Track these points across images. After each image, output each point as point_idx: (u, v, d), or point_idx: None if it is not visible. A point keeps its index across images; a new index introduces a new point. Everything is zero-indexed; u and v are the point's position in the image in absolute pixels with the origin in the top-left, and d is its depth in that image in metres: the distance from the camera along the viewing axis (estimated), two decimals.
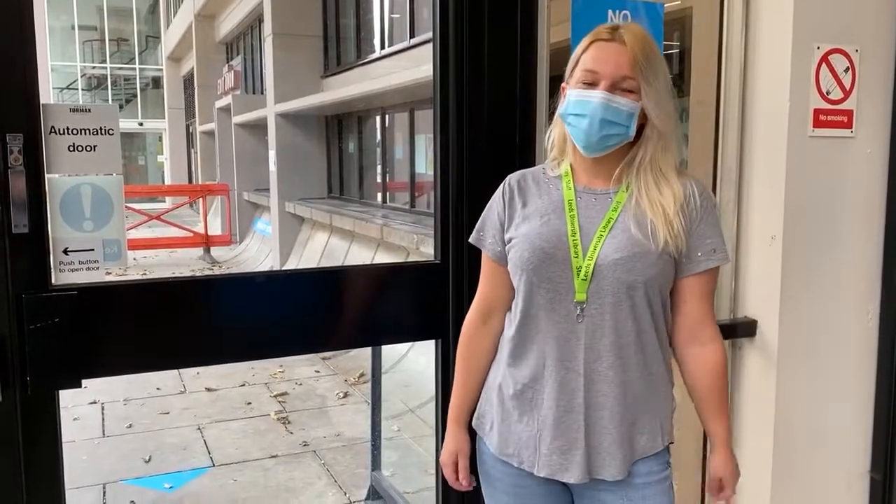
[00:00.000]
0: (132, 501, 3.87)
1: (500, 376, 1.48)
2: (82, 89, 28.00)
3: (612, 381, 1.38)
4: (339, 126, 12.54)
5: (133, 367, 1.72)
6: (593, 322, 1.37)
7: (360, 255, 8.83)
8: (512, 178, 1.50)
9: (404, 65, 8.73)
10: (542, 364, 1.41)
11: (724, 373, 1.47)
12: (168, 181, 24.11)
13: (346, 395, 5.63)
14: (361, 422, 4.94)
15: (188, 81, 22.28)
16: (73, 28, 28.20)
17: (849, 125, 2.01)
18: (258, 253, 13.26)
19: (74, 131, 1.46)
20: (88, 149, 1.47)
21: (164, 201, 17.31)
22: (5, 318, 1.43)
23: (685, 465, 2.21)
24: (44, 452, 1.50)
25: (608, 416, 1.39)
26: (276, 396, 5.58)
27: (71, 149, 1.46)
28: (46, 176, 1.45)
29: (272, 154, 12.47)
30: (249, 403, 5.41)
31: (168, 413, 5.19)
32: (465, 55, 1.75)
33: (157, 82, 27.79)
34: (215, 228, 14.39)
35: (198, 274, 9.68)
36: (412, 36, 9.15)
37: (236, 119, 14.62)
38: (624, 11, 1.87)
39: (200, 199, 14.08)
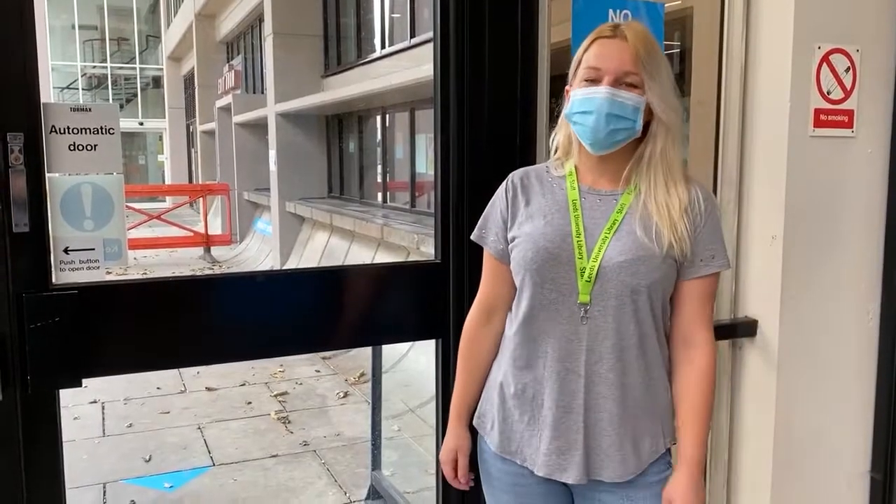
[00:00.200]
0: (132, 501, 3.87)
1: (502, 375, 1.48)
2: (83, 89, 28.00)
3: (613, 384, 1.38)
4: (339, 126, 12.55)
5: (133, 367, 1.72)
6: (596, 324, 1.37)
7: (360, 255, 8.83)
8: (515, 175, 1.50)
9: (405, 64, 8.73)
10: (543, 364, 1.41)
11: (709, 382, 1.41)
12: (168, 181, 24.11)
13: (346, 394, 5.63)
14: (361, 421, 4.94)
15: (188, 81, 22.29)
16: (73, 27, 28.20)
17: (849, 125, 2.01)
18: (258, 253, 13.26)
19: (75, 130, 1.46)
20: (89, 148, 1.47)
21: (165, 201, 17.31)
22: (6, 318, 1.43)
23: None
24: (44, 451, 1.50)
25: (607, 418, 1.39)
26: (276, 396, 5.58)
27: (71, 148, 1.46)
28: (47, 175, 1.44)
29: (272, 154, 12.47)
30: (250, 403, 5.41)
31: (168, 412, 5.19)
32: (466, 55, 1.75)
33: (157, 82, 27.80)
34: (215, 228, 14.39)
35: (198, 273, 9.67)
36: (413, 35, 9.15)
37: (237, 118, 14.62)
38: (625, 11, 1.87)
39: (201, 199, 14.08)
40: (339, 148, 12.62)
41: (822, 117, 1.97)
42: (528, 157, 1.80)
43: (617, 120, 1.35)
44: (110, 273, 1.55)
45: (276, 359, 5.70)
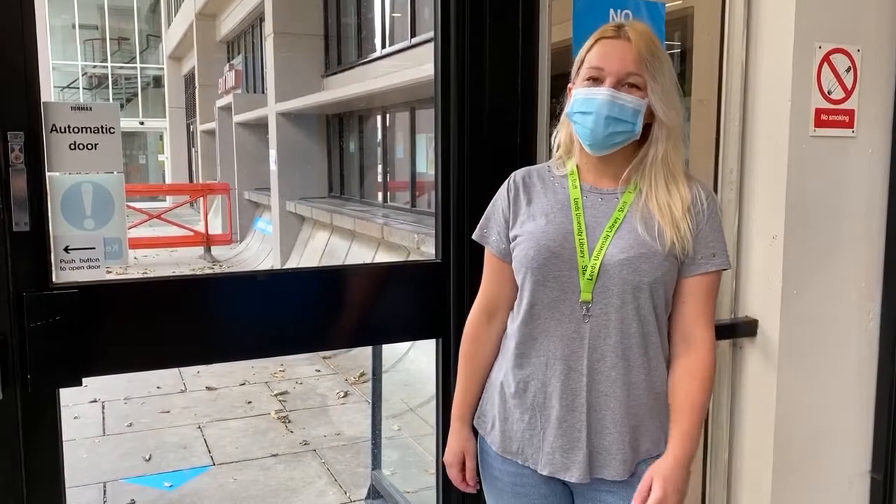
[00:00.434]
0: (132, 500, 3.88)
1: (503, 375, 1.48)
2: (83, 88, 27.98)
3: (615, 382, 1.37)
4: (339, 125, 12.55)
5: (133, 366, 1.72)
6: (598, 322, 1.37)
7: (360, 255, 8.83)
8: (517, 174, 1.50)
9: (405, 64, 8.73)
10: (544, 363, 1.41)
11: (705, 378, 1.39)
12: (169, 180, 24.09)
13: (346, 394, 5.63)
14: (362, 421, 4.94)
15: (189, 80, 22.28)
16: (73, 27, 28.18)
17: (850, 125, 2.01)
18: (259, 252, 13.26)
19: (75, 130, 1.46)
20: (89, 147, 1.47)
21: (165, 200, 17.29)
22: (6, 316, 1.43)
23: None
24: (44, 450, 1.50)
25: (610, 417, 1.38)
26: (276, 395, 5.58)
27: (72, 147, 1.46)
28: (47, 174, 1.45)
29: (273, 153, 12.47)
30: (250, 402, 5.41)
31: (168, 412, 5.19)
32: (467, 54, 1.75)
33: (157, 81, 27.78)
34: (216, 227, 14.38)
35: (198, 273, 9.67)
36: (413, 35, 9.15)
37: (237, 118, 14.62)
38: (625, 11, 1.87)
39: (201, 198, 14.07)
40: (340, 147, 12.61)
41: (823, 117, 1.97)
42: (528, 156, 1.80)
43: (616, 123, 1.35)
44: (110, 272, 1.55)
45: (276, 358, 5.70)
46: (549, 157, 1.55)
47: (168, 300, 1.62)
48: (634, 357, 1.38)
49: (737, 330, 2.06)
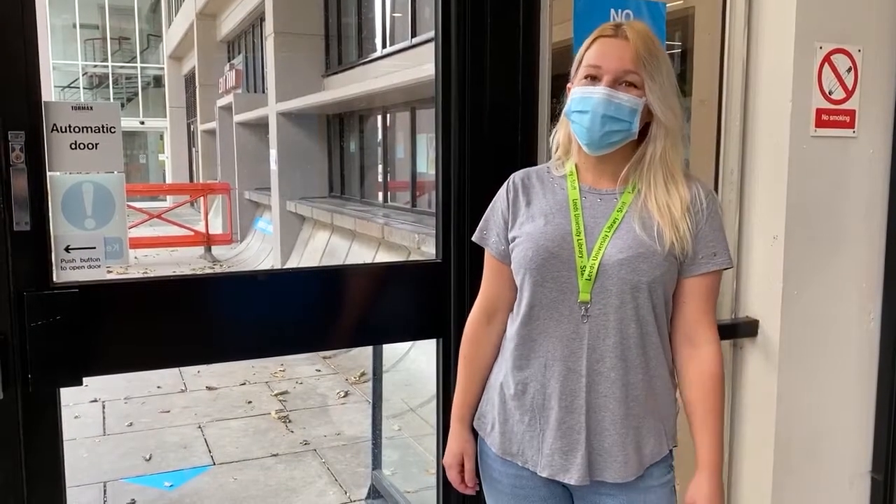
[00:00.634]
0: (133, 500, 3.88)
1: (503, 376, 1.47)
2: (84, 88, 27.98)
3: (615, 383, 1.37)
4: (340, 125, 12.55)
5: (134, 366, 1.72)
6: (597, 322, 1.36)
7: (361, 255, 8.83)
8: (516, 176, 1.50)
9: (406, 64, 8.73)
10: (543, 364, 1.40)
11: (718, 379, 1.40)
12: (169, 180, 24.09)
13: (346, 394, 5.63)
14: (362, 421, 4.95)
15: (189, 80, 22.28)
16: (74, 26, 28.18)
17: (851, 125, 2.01)
18: (259, 252, 13.26)
19: (76, 129, 1.46)
20: (90, 147, 1.47)
21: (165, 200, 17.30)
22: (7, 316, 1.43)
23: (687, 467, 2.21)
24: (45, 450, 1.50)
25: (609, 418, 1.38)
26: (276, 395, 5.58)
27: (73, 147, 1.46)
28: (48, 173, 1.45)
29: (273, 153, 12.47)
30: (250, 402, 5.41)
31: (169, 411, 5.19)
32: (468, 54, 1.75)
33: (158, 81, 27.78)
34: (216, 227, 14.38)
35: (199, 273, 9.67)
36: (414, 35, 9.15)
37: (237, 118, 14.62)
38: (626, 11, 1.87)
39: (201, 198, 14.07)
40: (340, 147, 12.62)
41: (824, 117, 1.97)
42: (529, 155, 1.80)
43: (612, 122, 1.35)
44: (111, 272, 1.55)
45: (276, 358, 5.70)
46: (550, 157, 1.54)
47: (168, 300, 1.62)
48: (633, 358, 1.37)
49: (737, 330, 2.06)
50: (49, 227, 1.46)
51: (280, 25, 12.32)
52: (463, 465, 1.55)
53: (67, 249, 1.48)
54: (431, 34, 1.86)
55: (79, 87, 27.76)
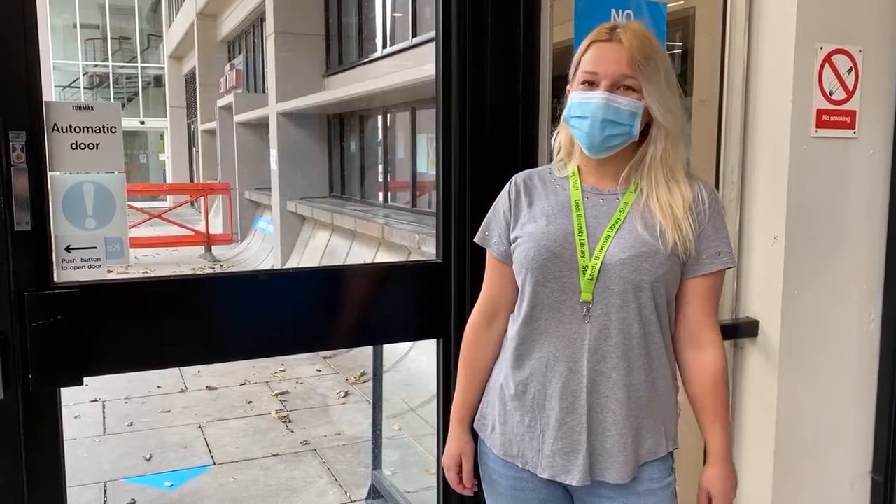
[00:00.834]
0: (133, 500, 3.88)
1: (503, 377, 1.47)
2: (84, 88, 28.00)
3: (616, 383, 1.37)
4: (340, 125, 12.55)
5: (134, 366, 1.72)
6: (599, 323, 1.36)
7: (361, 255, 8.83)
8: (518, 177, 1.50)
9: (406, 64, 8.73)
10: (545, 364, 1.40)
11: (723, 379, 1.43)
12: (169, 180, 24.10)
13: (347, 394, 5.63)
14: (362, 421, 4.94)
15: (190, 80, 22.28)
16: (75, 26, 28.19)
17: (852, 126, 2.01)
18: (259, 252, 13.26)
19: (77, 129, 1.46)
20: (91, 147, 1.47)
21: (166, 200, 17.30)
22: (7, 316, 1.43)
23: (688, 469, 2.21)
24: (45, 450, 1.50)
25: (611, 419, 1.38)
26: (277, 395, 5.58)
27: (73, 146, 1.46)
28: (49, 173, 1.45)
29: (274, 153, 12.47)
30: (250, 402, 5.41)
31: (169, 411, 5.19)
32: (468, 55, 1.75)
33: (158, 81, 27.79)
34: (216, 227, 14.38)
35: (199, 272, 9.67)
36: (414, 35, 9.15)
37: (238, 118, 14.62)
38: (627, 11, 1.87)
39: (202, 198, 14.08)
40: (341, 147, 12.62)
41: (825, 118, 1.97)
42: (530, 156, 1.80)
43: (612, 126, 1.35)
44: (111, 271, 1.55)
45: (276, 358, 5.70)
46: (551, 158, 1.54)
47: (169, 300, 1.62)
48: (636, 358, 1.37)
49: (738, 330, 2.06)
50: (50, 226, 1.46)
51: (280, 25, 12.32)
52: (461, 467, 1.55)
53: (68, 249, 1.48)
54: (432, 34, 1.86)
55: (79, 87, 27.77)
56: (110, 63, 28.54)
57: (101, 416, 5.04)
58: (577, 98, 1.37)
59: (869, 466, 2.18)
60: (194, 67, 20.04)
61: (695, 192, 1.39)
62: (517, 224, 1.45)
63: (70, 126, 1.45)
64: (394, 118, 10.44)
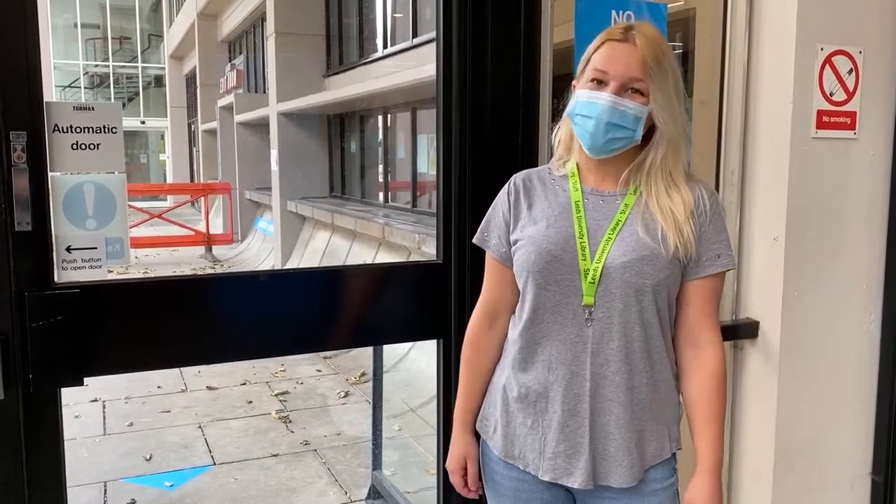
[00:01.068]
0: (133, 499, 3.88)
1: (505, 379, 1.47)
2: (85, 87, 28.01)
3: (619, 387, 1.36)
4: (341, 125, 12.55)
5: (135, 366, 1.72)
6: (601, 326, 1.36)
7: (361, 255, 8.83)
8: (517, 177, 1.49)
9: (407, 64, 8.73)
10: (547, 367, 1.39)
11: (721, 381, 1.40)
12: (170, 180, 24.10)
13: (347, 394, 5.63)
14: (362, 421, 4.94)
15: (190, 80, 22.29)
16: (75, 26, 28.20)
17: (852, 127, 2.01)
18: (259, 252, 13.26)
19: (77, 129, 1.46)
20: (91, 147, 1.47)
21: (166, 200, 17.31)
22: (8, 316, 1.43)
23: (689, 468, 2.21)
24: (45, 450, 1.50)
25: (614, 422, 1.37)
26: (277, 395, 5.58)
27: (74, 147, 1.46)
28: (49, 174, 1.45)
29: (274, 153, 12.48)
30: (250, 402, 5.41)
31: (169, 411, 5.19)
32: (469, 55, 1.75)
33: (159, 81, 27.80)
34: (217, 227, 14.38)
35: (199, 273, 9.68)
36: (415, 35, 9.15)
37: (238, 118, 14.62)
38: (627, 12, 1.87)
39: (202, 198, 14.09)
40: (341, 147, 12.62)
41: (825, 119, 1.97)
42: (530, 156, 1.80)
43: (616, 129, 1.34)
44: (112, 272, 1.55)
45: (277, 358, 5.70)
46: (551, 158, 1.54)
47: (169, 300, 1.62)
48: (637, 361, 1.37)
49: (738, 331, 2.06)
50: (50, 227, 1.46)
51: (281, 25, 12.33)
52: (466, 469, 1.54)
53: (68, 249, 1.48)
54: (432, 35, 1.86)
55: (80, 87, 27.78)
56: (111, 63, 28.55)
57: (102, 416, 5.04)
58: (585, 97, 1.37)
59: (869, 468, 2.18)
60: (195, 67, 20.05)
61: (695, 194, 1.39)
62: (517, 226, 1.44)
63: (71, 126, 1.45)
64: (394, 118, 10.44)
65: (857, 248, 2.07)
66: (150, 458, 4.38)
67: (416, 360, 5.64)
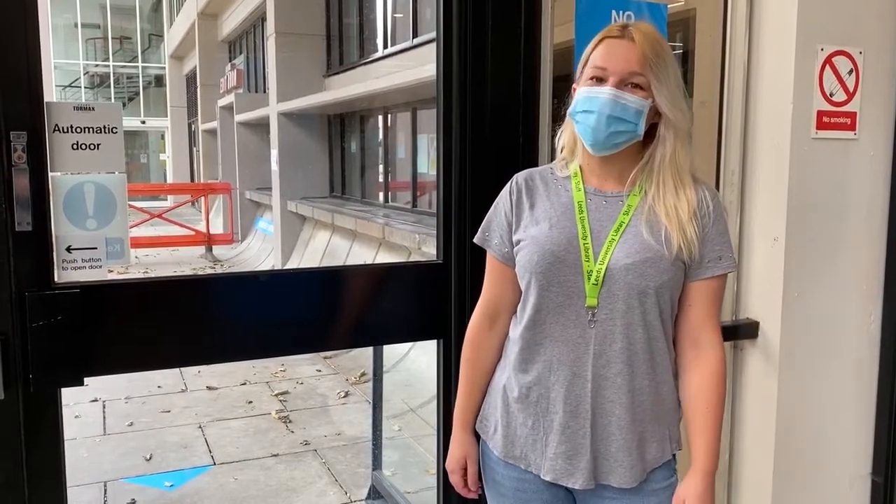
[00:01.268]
0: (133, 499, 3.88)
1: (505, 379, 1.46)
2: (85, 87, 28.02)
3: (621, 388, 1.36)
4: (341, 125, 12.55)
5: (135, 366, 1.72)
6: (604, 327, 1.35)
7: (361, 255, 8.83)
8: (519, 177, 1.48)
9: (407, 64, 8.73)
10: (548, 368, 1.39)
11: (720, 382, 1.40)
12: (170, 179, 24.10)
13: (347, 394, 5.63)
14: (362, 421, 4.95)
15: (191, 80, 22.30)
16: (76, 26, 28.20)
17: (852, 127, 2.01)
18: (260, 252, 13.26)
19: (78, 129, 1.46)
20: (92, 147, 1.47)
21: (166, 200, 17.31)
22: (8, 316, 1.43)
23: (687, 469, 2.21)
24: (45, 450, 1.50)
25: (615, 423, 1.37)
26: (277, 395, 5.58)
27: (74, 147, 1.46)
28: (50, 174, 1.45)
29: (274, 153, 12.48)
30: (250, 402, 5.41)
31: (169, 411, 5.19)
32: (469, 54, 1.75)
33: (159, 80, 27.80)
34: (217, 227, 14.38)
35: (199, 273, 9.68)
36: (415, 35, 9.15)
37: (238, 118, 14.63)
38: (627, 12, 1.87)
39: (202, 198, 14.09)
40: (341, 147, 12.62)
41: (825, 119, 1.97)
42: (530, 156, 1.80)
43: (618, 122, 1.34)
44: (112, 272, 1.55)
45: (277, 358, 5.70)
46: (552, 158, 1.54)
47: (169, 300, 1.62)
48: (640, 363, 1.37)
49: (738, 332, 2.06)
50: (50, 227, 1.46)
51: (281, 25, 12.33)
52: (466, 469, 1.54)
53: (69, 250, 1.48)
54: (433, 35, 1.86)
55: (80, 87, 27.78)
56: (111, 63, 28.55)
57: (102, 416, 5.04)
58: (585, 93, 1.36)
59: (869, 468, 2.18)
60: (195, 67, 20.05)
61: (699, 195, 1.38)
62: (519, 226, 1.44)
63: (71, 126, 1.45)
64: (394, 118, 10.44)
65: (857, 248, 2.07)
66: (150, 458, 4.38)
67: (416, 360, 5.64)
